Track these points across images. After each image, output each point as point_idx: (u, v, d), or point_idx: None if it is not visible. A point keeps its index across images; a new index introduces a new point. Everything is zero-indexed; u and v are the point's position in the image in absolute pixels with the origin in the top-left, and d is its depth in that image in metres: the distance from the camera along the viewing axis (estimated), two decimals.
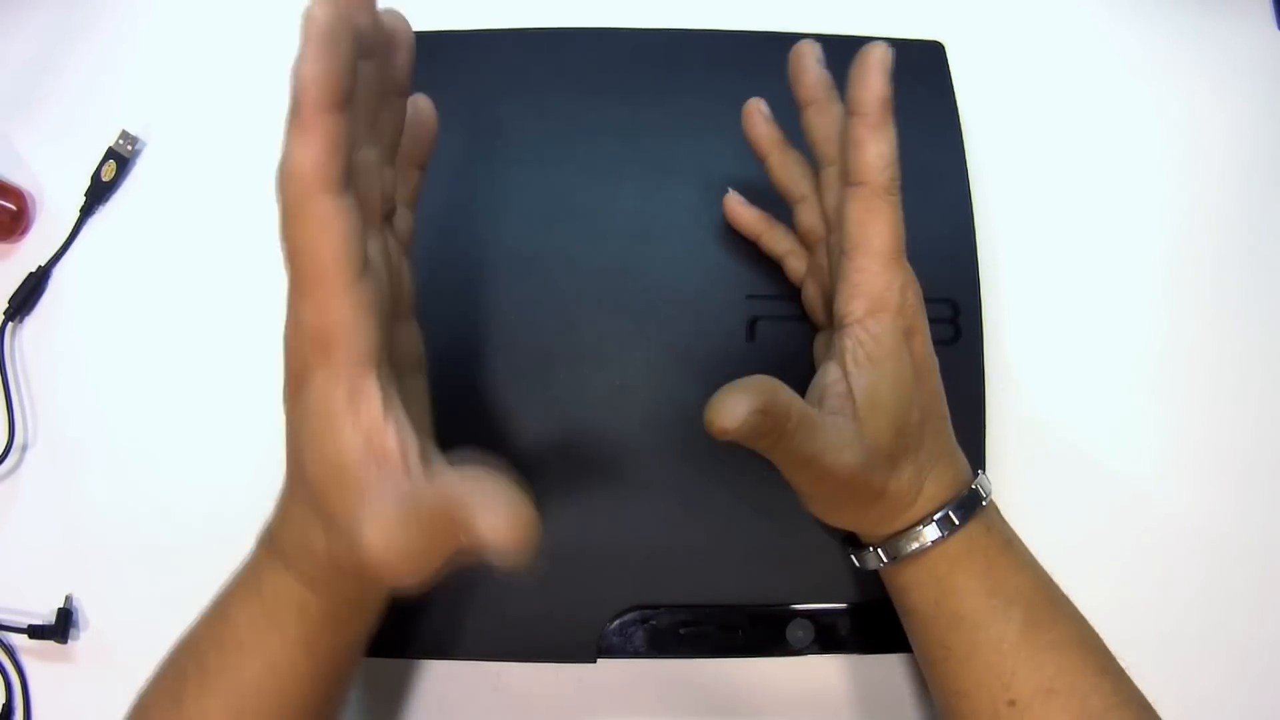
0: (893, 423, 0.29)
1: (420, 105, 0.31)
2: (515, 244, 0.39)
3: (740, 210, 0.38)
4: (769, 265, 0.39)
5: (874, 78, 0.28)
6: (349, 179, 0.23)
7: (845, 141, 0.29)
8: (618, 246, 0.39)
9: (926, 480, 0.30)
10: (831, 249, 0.33)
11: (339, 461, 0.23)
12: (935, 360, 0.31)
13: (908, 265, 0.30)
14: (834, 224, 0.32)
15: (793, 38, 0.42)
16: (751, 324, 0.38)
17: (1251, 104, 0.46)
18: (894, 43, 0.42)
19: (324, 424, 0.23)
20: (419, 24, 0.43)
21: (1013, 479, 0.39)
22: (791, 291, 0.38)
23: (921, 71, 0.42)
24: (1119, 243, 0.43)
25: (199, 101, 0.45)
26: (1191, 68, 0.46)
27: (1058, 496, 0.40)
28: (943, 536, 0.30)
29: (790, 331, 0.38)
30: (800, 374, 0.38)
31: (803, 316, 0.38)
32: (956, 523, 0.30)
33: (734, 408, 0.25)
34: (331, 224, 0.23)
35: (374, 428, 0.23)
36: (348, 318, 0.23)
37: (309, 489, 0.25)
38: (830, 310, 0.32)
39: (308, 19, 0.21)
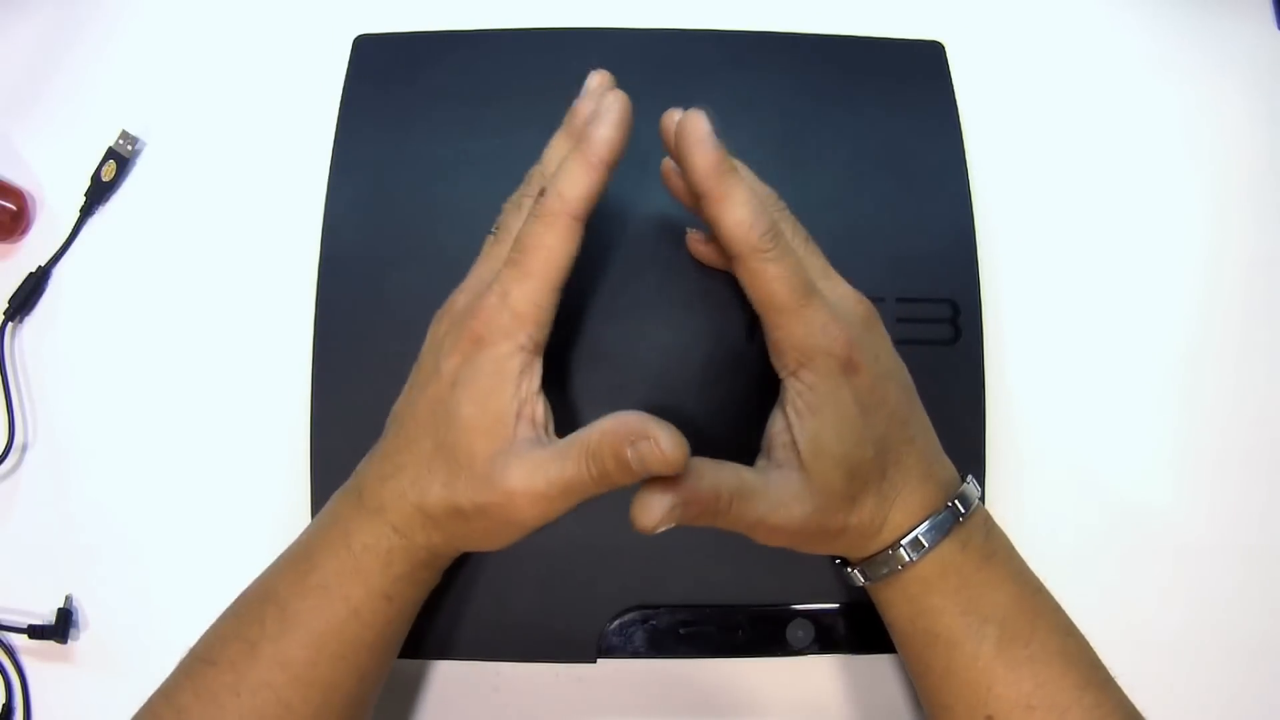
0: (840, 465, 0.29)
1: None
2: None
3: (703, 248, 0.37)
4: None
5: (694, 154, 0.28)
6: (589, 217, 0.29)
7: (704, 215, 0.29)
8: (617, 246, 0.39)
9: (892, 509, 0.30)
10: None
11: (499, 413, 0.28)
12: (897, 383, 0.31)
13: (834, 295, 0.30)
14: None
15: (793, 38, 0.43)
16: (751, 324, 0.38)
17: (1251, 104, 0.46)
18: (894, 43, 0.43)
19: (496, 382, 0.28)
20: (419, 24, 0.43)
21: (1012, 479, 0.39)
22: None
23: (921, 71, 0.42)
24: (1118, 242, 0.43)
25: (199, 101, 0.45)
26: (1191, 68, 0.46)
27: (1057, 497, 0.40)
28: (911, 561, 0.30)
29: None
30: None
31: None
32: (926, 545, 0.30)
33: (651, 508, 0.26)
34: (573, 240, 0.29)
35: (530, 397, 0.29)
36: (547, 307, 0.29)
37: (453, 434, 0.29)
38: None
39: (617, 99, 0.29)
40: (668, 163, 0.34)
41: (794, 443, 0.29)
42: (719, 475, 0.28)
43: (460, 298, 0.31)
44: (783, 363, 0.30)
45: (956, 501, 0.31)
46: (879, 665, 0.38)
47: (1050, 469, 0.40)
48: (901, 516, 0.30)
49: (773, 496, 0.28)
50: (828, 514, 0.29)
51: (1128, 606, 0.39)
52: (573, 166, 0.29)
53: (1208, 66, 0.46)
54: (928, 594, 0.30)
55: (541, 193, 0.29)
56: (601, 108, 0.29)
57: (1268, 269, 0.43)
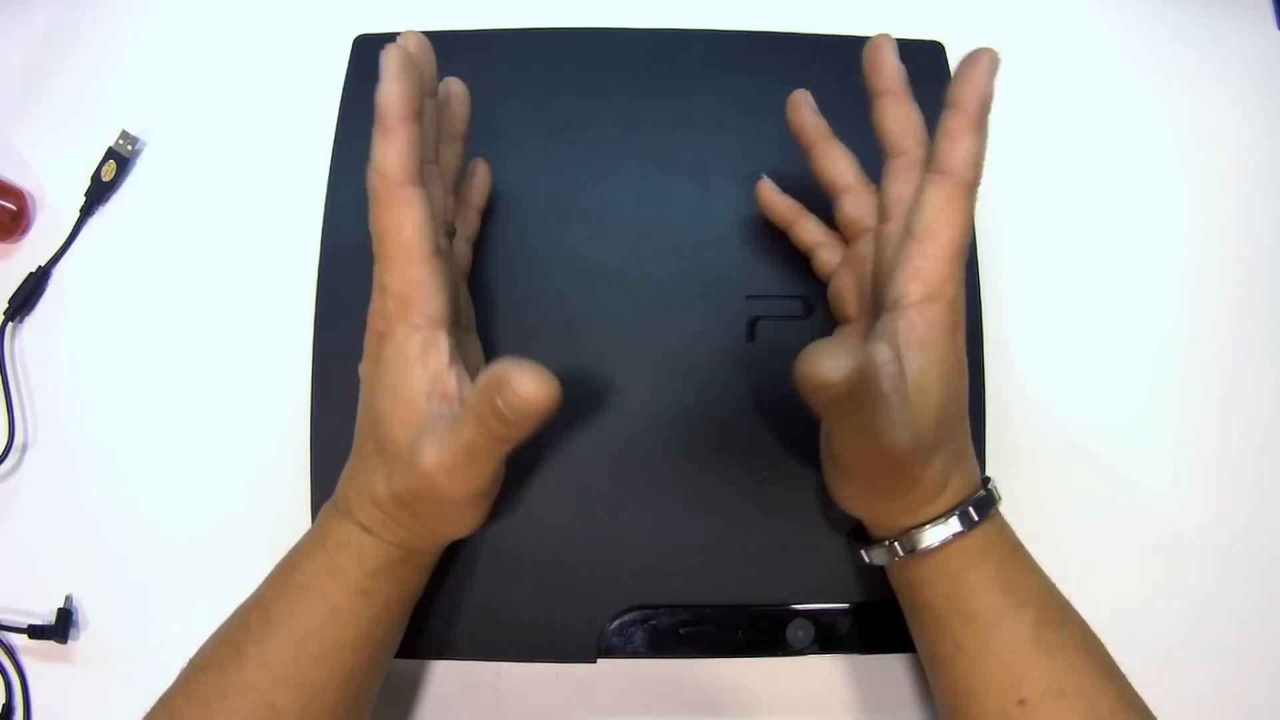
0: (938, 410, 0.29)
1: (478, 168, 0.38)
2: (515, 244, 0.39)
3: (774, 198, 0.37)
4: (769, 265, 0.39)
5: (982, 79, 0.29)
6: (422, 177, 0.29)
7: (940, 132, 0.30)
8: (617, 246, 0.39)
9: (953, 474, 0.31)
10: (887, 237, 0.32)
11: (409, 397, 0.29)
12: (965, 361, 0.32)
13: (964, 267, 0.31)
14: (894, 213, 0.32)
15: (793, 38, 0.43)
16: (751, 324, 0.38)
17: (1251, 104, 0.46)
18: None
19: (400, 368, 0.29)
20: (419, 24, 0.43)
21: (1013, 480, 0.39)
22: (792, 291, 0.38)
23: (921, 71, 0.42)
24: (1119, 242, 0.43)
25: (199, 101, 0.45)
26: (1191, 68, 0.46)
27: (1058, 497, 0.40)
28: (962, 531, 0.30)
29: (790, 331, 0.38)
30: None
31: (803, 316, 0.38)
32: (975, 519, 0.30)
33: (839, 362, 0.24)
34: (412, 207, 0.28)
35: (440, 372, 0.29)
36: (426, 280, 0.29)
37: (378, 430, 0.30)
38: (861, 303, 0.34)
39: (387, 56, 0.28)
40: (803, 94, 0.35)
41: (904, 373, 0.29)
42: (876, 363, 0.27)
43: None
44: (906, 290, 0.29)
45: (993, 488, 0.32)
46: (879, 665, 0.38)
47: (1050, 468, 0.40)
48: (958, 484, 0.31)
49: (893, 413, 0.28)
50: (916, 454, 0.29)
51: (1128, 605, 0.39)
52: (375, 141, 0.28)
53: (1207, 67, 0.46)
54: (969, 570, 0.30)
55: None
56: (381, 70, 0.28)
57: (1268, 268, 0.43)
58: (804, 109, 0.35)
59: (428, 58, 0.32)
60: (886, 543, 0.32)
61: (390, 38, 0.42)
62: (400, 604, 0.33)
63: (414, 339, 0.29)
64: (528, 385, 0.24)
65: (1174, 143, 0.45)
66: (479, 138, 0.41)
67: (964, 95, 0.29)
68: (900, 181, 0.32)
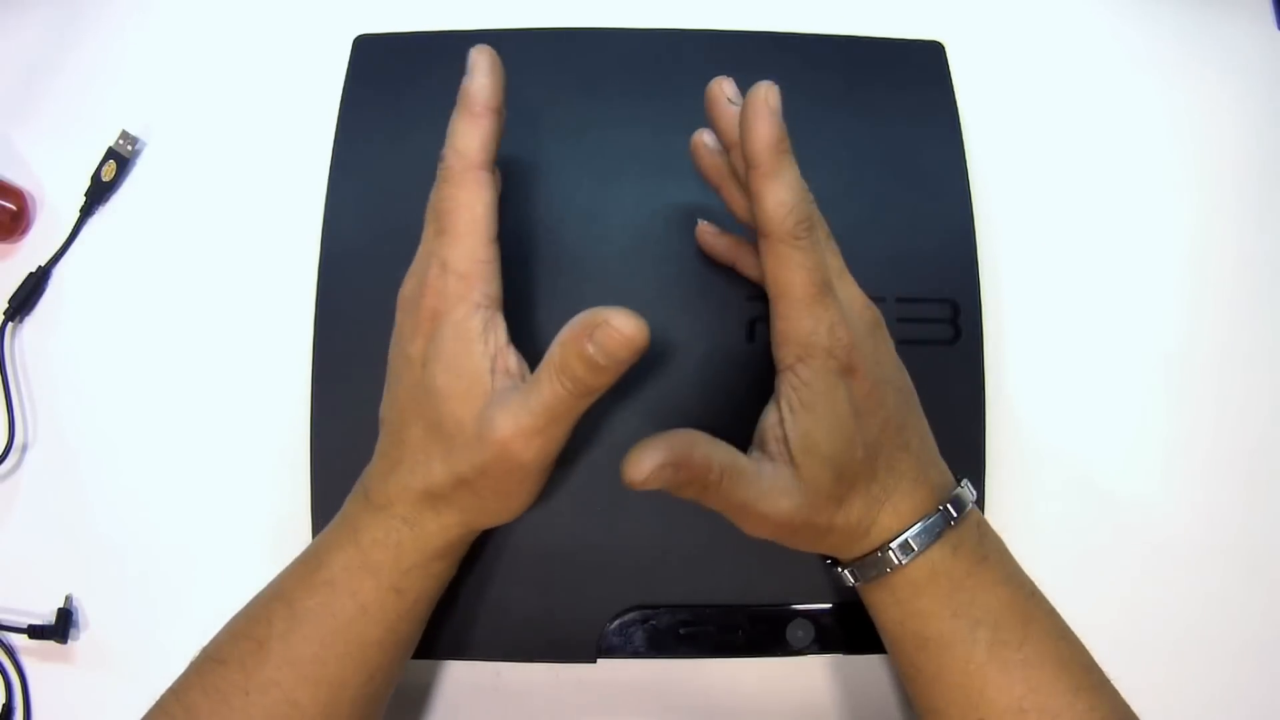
0: (829, 464, 0.29)
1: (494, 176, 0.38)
2: (514, 243, 0.39)
3: (711, 239, 0.37)
4: None
5: (760, 124, 0.27)
6: (492, 167, 0.30)
7: (748, 193, 0.29)
8: (617, 247, 0.39)
9: (881, 511, 0.30)
10: None
11: (473, 374, 0.29)
12: (896, 388, 0.31)
13: (845, 297, 0.30)
14: None
15: (793, 38, 0.43)
16: (751, 324, 0.38)
17: (1251, 104, 0.46)
18: (894, 43, 0.43)
19: (462, 346, 0.29)
20: (419, 24, 0.43)
21: (1012, 479, 0.39)
22: None
23: (921, 71, 0.42)
24: (1119, 243, 0.43)
25: (199, 101, 0.45)
26: (1191, 68, 0.46)
27: (1057, 497, 0.40)
28: (900, 563, 0.30)
29: None
30: None
31: None
32: (915, 549, 0.30)
33: (641, 461, 0.26)
34: (485, 189, 0.29)
35: (500, 350, 0.29)
36: (488, 260, 0.30)
37: (435, 410, 0.29)
38: None
39: (480, 52, 0.30)
40: (701, 136, 0.33)
41: (785, 437, 0.29)
42: (714, 449, 0.28)
43: (406, 286, 0.31)
44: (782, 354, 0.30)
45: (949, 505, 0.31)
46: (879, 665, 0.38)
47: (1050, 469, 0.40)
48: (891, 519, 0.30)
49: (763, 484, 0.28)
50: (814, 511, 0.29)
51: (1126, 607, 0.39)
52: (458, 124, 0.29)
53: (1207, 67, 0.46)
54: (917, 597, 0.30)
55: (441, 159, 0.30)
56: (470, 65, 0.30)
57: (1267, 269, 0.43)
58: (702, 151, 0.33)
59: (497, 74, 0.32)
60: (840, 569, 0.32)
61: (390, 38, 0.42)
62: (428, 601, 0.32)
63: (477, 316, 0.29)
64: (626, 323, 0.25)
65: (1173, 143, 0.45)
66: None
67: (749, 151, 0.28)
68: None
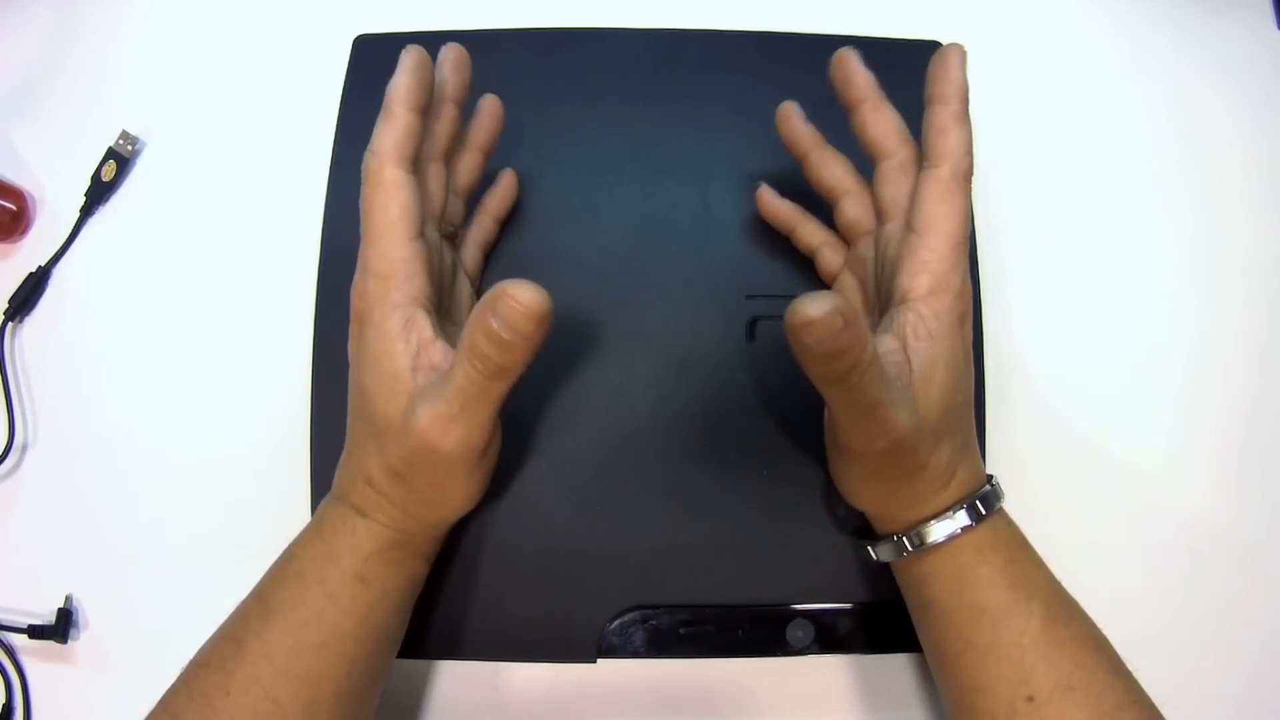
0: (943, 399, 0.29)
1: (505, 178, 0.39)
2: (514, 243, 0.39)
3: (775, 203, 0.38)
4: (769, 265, 0.39)
5: (956, 72, 0.30)
6: (414, 165, 0.30)
7: (926, 128, 0.31)
8: (617, 247, 0.39)
9: (960, 465, 0.31)
10: (887, 237, 0.33)
11: (393, 371, 0.29)
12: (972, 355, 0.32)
13: (968, 257, 0.31)
14: (892, 213, 0.33)
15: (793, 38, 0.43)
16: (751, 324, 0.38)
17: (1251, 104, 0.46)
18: (894, 43, 0.43)
19: (383, 346, 0.30)
20: (419, 24, 0.43)
21: (1012, 478, 0.38)
22: (792, 291, 0.38)
23: (921, 71, 0.42)
24: (1119, 241, 0.43)
25: (199, 101, 0.45)
26: (1192, 68, 0.46)
27: (1057, 493, 0.40)
28: (971, 525, 0.30)
29: None
30: (800, 374, 0.38)
31: None
32: (984, 512, 0.30)
33: (816, 301, 0.25)
34: (398, 189, 0.29)
35: (424, 345, 0.30)
36: (406, 260, 0.30)
37: (366, 409, 0.30)
38: (866, 303, 0.34)
39: (405, 53, 0.30)
40: (790, 105, 0.36)
41: (909, 362, 0.29)
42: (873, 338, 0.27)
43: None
44: (913, 284, 0.30)
45: (996, 483, 0.32)
46: (879, 665, 0.38)
47: (1050, 469, 0.40)
48: (965, 475, 0.31)
49: (895, 391, 0.28)
50: (920, 440, 0.29)
51: (1127, 605, 0.39)
52: (378, 123, 0.30)
53: (1208, 66, 0.46)
54: (979, 563, 0.30)
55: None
56: (398, 68, 0.30)
57: (1268, 267, 0.43)
58: (794, 119, 0.36)
59: (460, 69, 0.33)
60: (894, 537, 0.32)
61: (390, 38, 0.42)
62: (398, 592, 0.32)
63: (394, 316, 0.29)
64: (523, 292, 0.25)
65: (1174, 143, 0.45)
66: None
67: (944, 90, 0.30)
68: (892, 183, 0.33)
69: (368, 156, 0.30)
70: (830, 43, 0.43)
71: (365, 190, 0.30)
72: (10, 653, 0.39)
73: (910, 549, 0.31)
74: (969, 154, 0.30)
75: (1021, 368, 0.41)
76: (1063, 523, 0.39)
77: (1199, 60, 0.46)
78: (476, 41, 0.42)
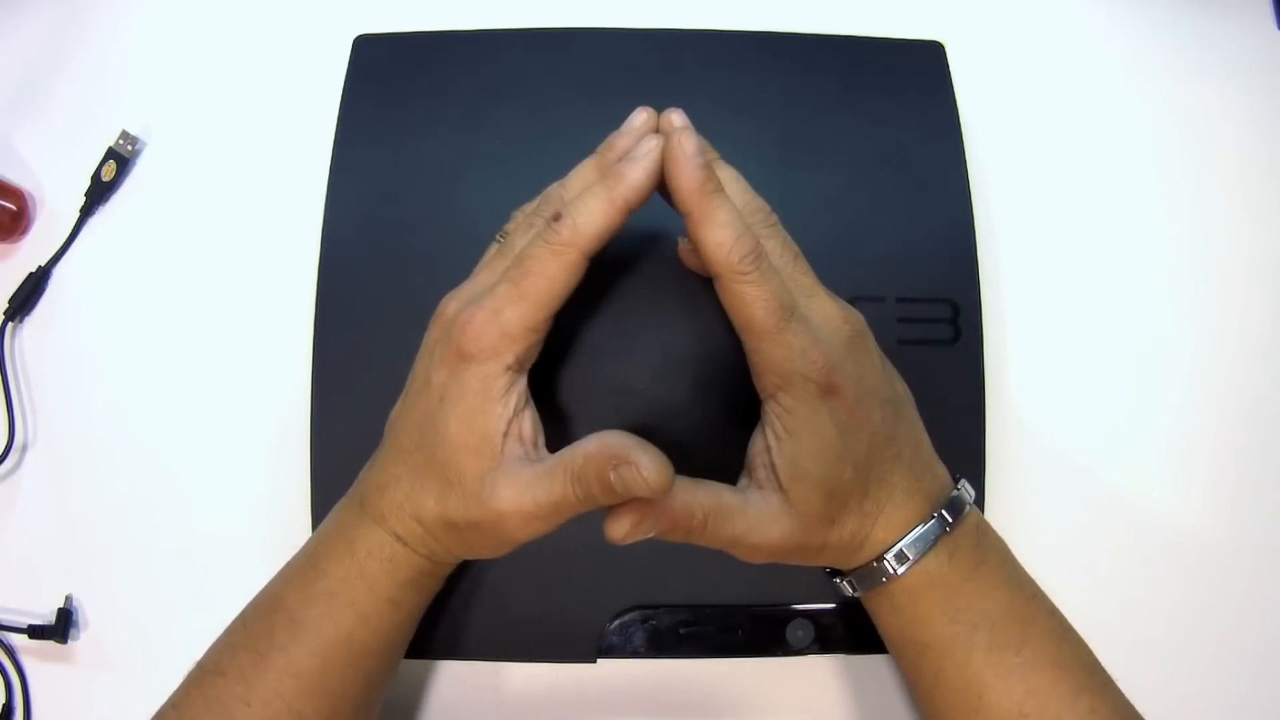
0: (818, 487, 0.29)
1: None
2: None
3: (693, 260, 0.36)
4: None
5: (681, 172, 0.28)
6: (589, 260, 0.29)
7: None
8: (616, 246, 0.39)
9: (875, 526, 0.30)
10: None
11: (485, 432, 0.28)
12: (879, 404, 0.30)
13: (815, 318, 0.30)
14: None
15: (792, 38, 0.43)
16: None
17: (1251, 104, 0.46)
18: (894, 43, 0.43)
19: (481, 401, 0.28)
20: (419, 24, 0.43)
21: (1012, 479, 0.39)
22: None
23: (921, 71, 0.42)
24: (1119, 243, 0.43)
25: (199, 101, 0.45)
26: (1191, 68, 0.46)
27: (1056, 496, 0.40)
28: (896, 573, 0.30)
29: None
30: None
31: None
32: (910, 558, 0.30)
33: (621, 520, 0.27)
34: (578, 272, 0.29)
35: (518, 414, 0.29)
36: (539, 330, 0.29)
37: (442, 453, 0.29)
38: None
39: (656, 144, 0.29)
40: (683, 243, 0.34)
41: (773, 464, 0.29)
42: (695, 494, 0.28)
43: (453, 304, 0.31)
44: (761, 385, 0.30)
45: (945, 512, 0.31)
46: (879, 665, 0.38)
47: (1050, 469, 0.40)
48: (884, 532, 0.30)
49: (751, 516, 0.29)
50: (807, 533, 0.29)
51: (1127, 606, 0.39)
52: (593, 201, 0.28)
53: (1208, 67, 0.46)
54: (915, 604, 0.30)
55: (556, 217, 0.29)
56: (639, 150, 0.29)
57: (1268, 269, 0.43)
58: (688, 257, 0.34)
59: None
60: (838, 580, 0.32)
61: (390, 38, 0.42)
62: (419, 611, 0.33)
63: (504, 377, 0.29)
64: (651, 469, 0.26)
65: (1173, 143, 0.45)
66: (480, 137, 0.41)
67: (676, 198, 0.29)
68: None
69: (567, 229, 0.28)
70: (830, 43, 0.43)
71: (544, 253, 0.28)
72: (10, 653, 0.39)
73: (853, 592, 0.32)
74: (731, 248, 0.28)
75: (1017, 372, 0.41)
76: (1057, 530, 0.39)
77: (1199, 60, 0.46)
78: (476, 41, 0.43)
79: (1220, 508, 0.40)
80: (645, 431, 0.37)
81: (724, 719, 0.38)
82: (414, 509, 0.30)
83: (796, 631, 0.36)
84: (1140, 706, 0.30)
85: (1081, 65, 0.46)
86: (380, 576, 0.30)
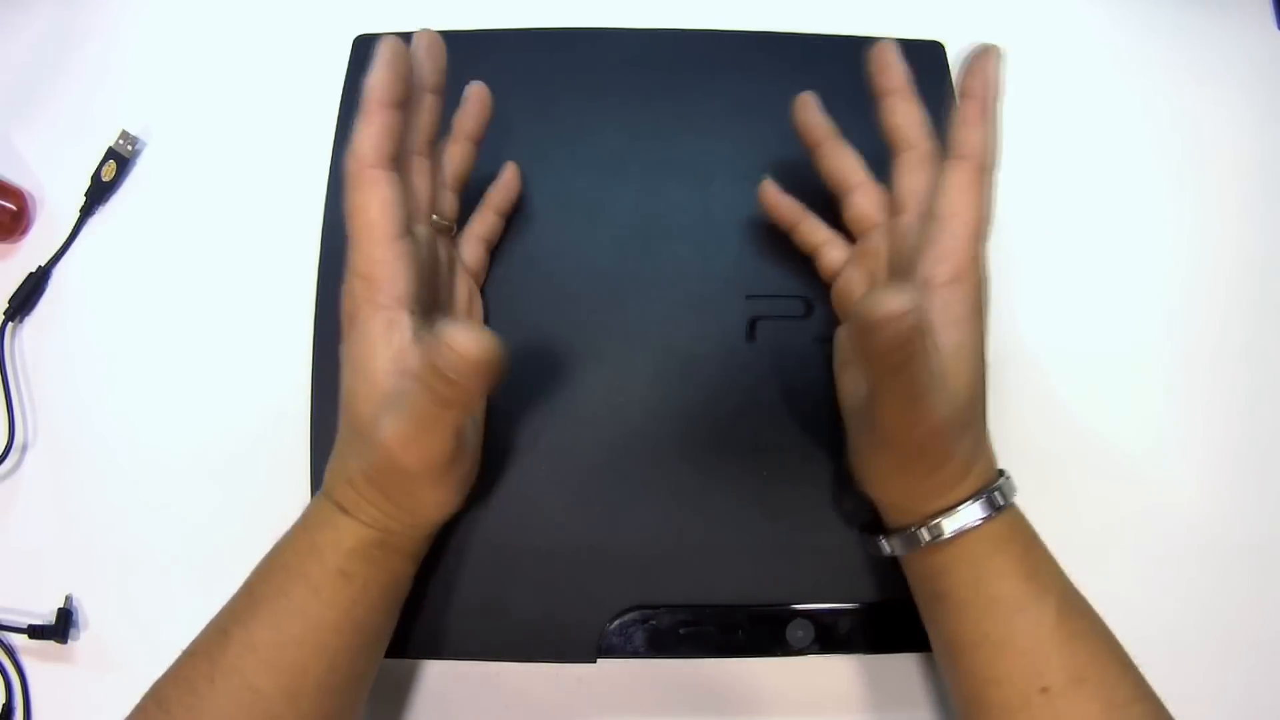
0: (968, 387, 0.30)
1: (507, 172, 0.39)
2: (515, 243, 0.39)
3: (778, 199, 0.37)
4: (769, 265, 0.39)
5: (991, 70, 0.31)
6: (396, 162, 0.30)
7: (956, 120, 0.31)
8: (617, 246, 0.39)
9: (978, 457, 0.31)
10: (904, 229, 0.33)
11: (372, 373, 0.29)
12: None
13: (986, 253, 0.31)
14: (909, 204, 0.33)
15: (793, 38, 0.43)
16: (751, 324, 0.38)
17: (1251, 104, 0.46)
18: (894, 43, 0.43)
19: (365, 348, 0.30)
20: (419, 24, 0.43)
21: (1014, 477, 0.39)
22: (792, 291, 0.38)
23: (921, 71, 0.42)
24: (1119, 242, 0.43)
25: (199, 101, 0.45)
26: (1191, 68, 0.46)
27: (1057, 496, 0.40)
28: (989, 516, 0.30)
29: (790, 331, 0.38)
30: (800, 374, 0.38)
31: (803, 316, 0.38)
32: (1000, 504, 0.30)
33: (899, 295, 0.24)
34: (379, 188, 0.29)
35: (403, 349, 0.29)
36: (390, 261, 0.29)
37: (349, 409, 0.30)
38: None
39: (380, 45, 0.29)
40: (807, 95, 0.36)
41: (937, 348, 0.29)
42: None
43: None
44: (935, 270, 0.30)
45: (1008, 476, 0.32)
46: (879, 665, 0.38)
47: (1051, 468, 0.40)
48: (984, 467, 0.31)
49: (938, 378, 0.28)
50: (952, 426, 0.29)
51: (1129, 605, 0.39)
52: (356, 123, 0.29)
53: (1207, 67, 0.46)
54: (994, 555, 0.30)
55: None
56: (375, 61, 0.29)
57: (1268, 266, 0.43)
58: (811, 108, 0.36)
59: (435, 55, 0.33)
60: (910, 530, 0.32)
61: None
62: (381, 589, 0.32)
63: (377, 318, 0.29)
64: (461, 340, 0.25)
65: (1174, 143, 0.45)
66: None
67: (975, 85, 0.31)
68: (913, 174, 0.33)
69: (347, 158, 0.29)
70: (830, 43, 0.43)
71: (346, 192, 0.29)
72: (10, 653, 0.39)
73: (928, 539, 0.31)
74: (994, 149, 0.31)
75: (1021, 367, 0.41)
76: (1062, 521, 0.39)
77: (1199, 60, 0.46)
78: (476, 41, 0.43)
79: (1227, 503, 0.40)
80: (649, 428, 0.37)
81: (723, 719, 0.38)
82: (344, 473, 0.31)
83: (796, 631, 0.36)
84: None
85: (1081, 65, 0.46)
86: (328, 547, 0.31)
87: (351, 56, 0.42)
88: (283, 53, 0.45)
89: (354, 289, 0.30)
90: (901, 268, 0.32)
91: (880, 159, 0.41)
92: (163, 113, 0.45)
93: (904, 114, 0.33)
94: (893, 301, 0.24)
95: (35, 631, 0.38)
